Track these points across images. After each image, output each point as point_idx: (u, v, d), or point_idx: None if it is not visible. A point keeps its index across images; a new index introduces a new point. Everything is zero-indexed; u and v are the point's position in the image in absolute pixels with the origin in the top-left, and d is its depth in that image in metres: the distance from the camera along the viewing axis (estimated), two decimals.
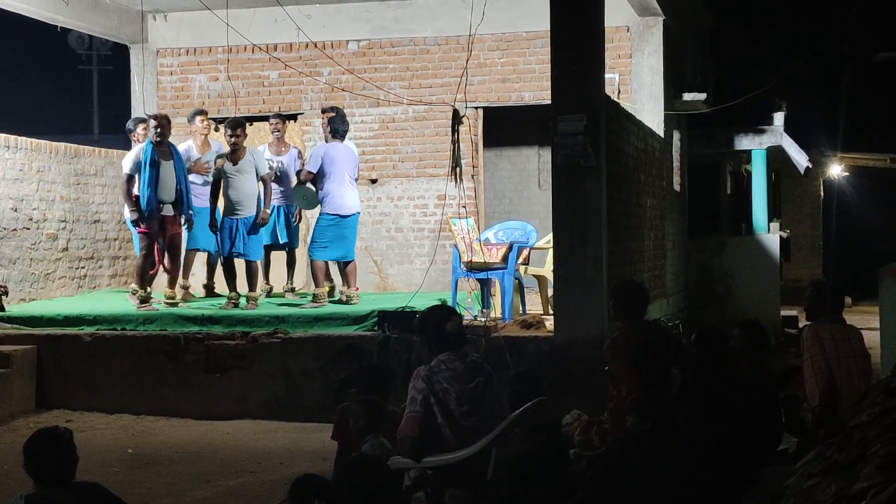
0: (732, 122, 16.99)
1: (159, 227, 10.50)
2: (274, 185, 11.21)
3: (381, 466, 4.26)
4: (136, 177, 10.42)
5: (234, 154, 10.59)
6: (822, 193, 25.23)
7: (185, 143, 11.42)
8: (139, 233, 10.54)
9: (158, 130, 10.45)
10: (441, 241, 12.20)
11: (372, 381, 6.74)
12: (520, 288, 10.82)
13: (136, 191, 10.43)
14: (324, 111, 11.25)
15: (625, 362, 6.79)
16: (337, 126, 10.75)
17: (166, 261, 10.74)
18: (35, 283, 11.87)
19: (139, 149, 10.53)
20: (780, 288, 16.41)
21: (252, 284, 10.76)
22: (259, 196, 10.71)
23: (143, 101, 13.55)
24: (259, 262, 11.03)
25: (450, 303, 10.20)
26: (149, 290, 10.75)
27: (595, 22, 9.11)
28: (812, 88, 22.92)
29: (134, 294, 10.80)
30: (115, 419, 9.68)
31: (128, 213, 10.80)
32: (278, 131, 11.51)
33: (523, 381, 6.18)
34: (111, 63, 29.41)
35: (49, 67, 30.87)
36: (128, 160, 10.56)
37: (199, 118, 11.49)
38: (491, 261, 10.23)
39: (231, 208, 10.62)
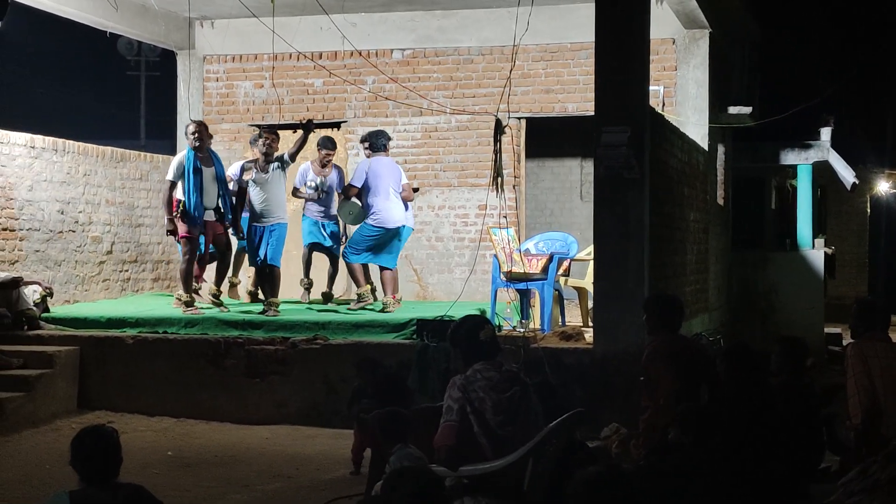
0: (778, 137, 16.85)
1: (202, 231, 10.59)
2: (315, 205, 11.23)
3: (428, 476, 4.23)
4: (180, 183, 10.52)
5: (265, 164, 10.66)
6: (868, 210, 24.95)
7: (238, 164, 11.46)
8: (181, 237, 10.60)
9: (196, 136, 10.53)
10: (481, 251, 12.19)
11: (389, 391, 6.76)
12: (559, 299, 10.78)
13: (178, 196, 10.52)
14: (362, 141, 11.22)
15: (664, 371, 6.73)
16: (373, 141, 10.81)
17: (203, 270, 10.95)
18: (79, 285, 12.01)
19: (181, 156, 10.60)
20: (825, 305, 16.23)
21: (275, 291, 10.77)
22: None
23: (188, 108, 13.68)
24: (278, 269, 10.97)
25: (489, 313, 10.20)
26: (193, 294, 10.86)
27: (640, 34, 9.08)
28: (860, 103, 22.71)
29: (179, 300, 10.89)
30: (156, 421, 9.76)
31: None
32: (329, 159, 11.34)
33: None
34: (159, 69, 29.72)
35: (98, 73, 31.25)
36: (171, 167, 10.61)
37: (261, 140, 11.13)
38: (531, 271, 10.21)
39: (258, 217, 10.69)
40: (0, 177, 10.94)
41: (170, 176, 10.56)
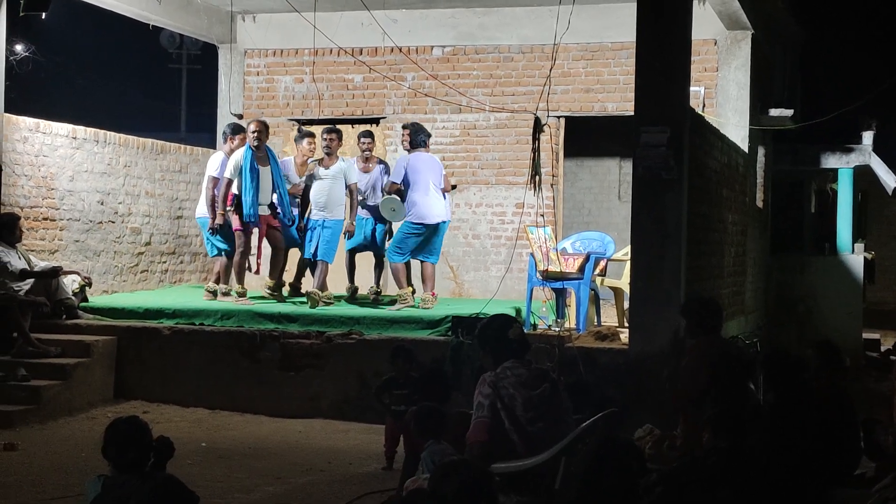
0: (819, 140, 16.69)
1: (256, 226, 10.82)
2: (362, 211, 11.22)
3: (478, 470, 4.22)
4: (236, 181, 10.66)
5: (327, 159, 10.72)
6: None
7: (286, 160, 11.53)
8: (235, 230, 10.76)
9: (256, 135, 10.68)
10: (518, 250, 12.17)
11: (430, 385, 6.74)
12: (595, 299, 10.75)
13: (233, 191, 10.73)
14: (404, 127, 11.26)
15: (704, 379, 6.68)
16: (413, 137, 10.81)
17: (259, 261, 11.17)
18: (118, 276, 12.12)
19: (239, 154, 10.69)
20: (864, 310, 16.07)
21: (320, 285, 10.78)
22: (346, 205, 10.83)
23: (229, 101, 13.78)
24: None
25: (524, 312, 10.18)
26: (233, 285, 11.05)
27: (682, 34, 9.02)
28: None
29: (210, 292, 11.06)
30: (191, 412, 9.83)
31: (202, 211, 11.06)
32: (369, 151, 11.36)
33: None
34: (200, 62, 29.94)
35: (140, 65, 31.52)
36: (228, 165, 10.73)
37: (307, 140, 11.32)
38: (567, 271, 10.18)
39: (314, 211, 10.76)
40: (42, 167, 11.05)
41: (227, 174, 10.71)
